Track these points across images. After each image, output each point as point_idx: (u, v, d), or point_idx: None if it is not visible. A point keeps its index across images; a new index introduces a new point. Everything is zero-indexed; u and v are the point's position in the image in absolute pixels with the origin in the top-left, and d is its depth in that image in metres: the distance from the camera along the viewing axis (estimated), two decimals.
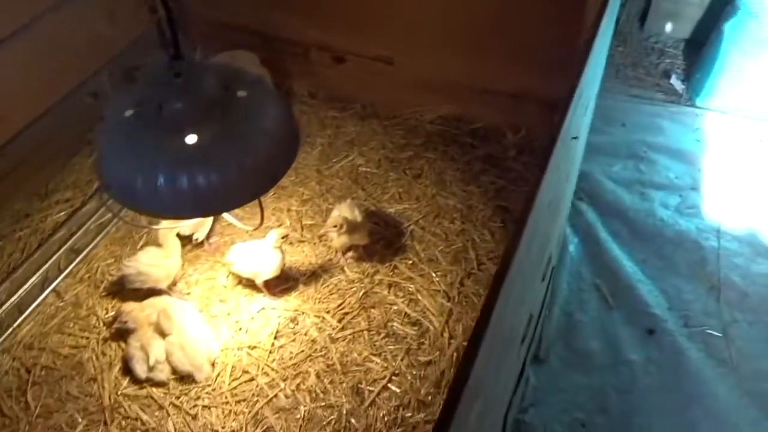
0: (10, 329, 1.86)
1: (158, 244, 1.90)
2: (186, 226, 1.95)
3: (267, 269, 1.87)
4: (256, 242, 1.92)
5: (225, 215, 1.66)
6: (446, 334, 1.84)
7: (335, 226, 1.85)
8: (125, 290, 1.95)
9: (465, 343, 1.76)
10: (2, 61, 1.99)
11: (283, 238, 1.85)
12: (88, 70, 2.38)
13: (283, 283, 1.98)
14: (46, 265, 2.02)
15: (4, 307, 1.91)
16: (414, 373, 1.76)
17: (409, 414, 1.67)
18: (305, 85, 2.58)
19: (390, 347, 1.82)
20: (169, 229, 1.84)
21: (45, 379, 1.76)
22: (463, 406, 0.86)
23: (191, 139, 1.21)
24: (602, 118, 3.23)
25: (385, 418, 1.66)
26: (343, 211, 1.93)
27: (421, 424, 1.64)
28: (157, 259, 1.84)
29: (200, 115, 1.22)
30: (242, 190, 1.25)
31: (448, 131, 2.44)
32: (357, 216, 1.92)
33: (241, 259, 1.89)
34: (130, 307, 1.81)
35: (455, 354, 1.79)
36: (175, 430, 1.66)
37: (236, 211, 1.95)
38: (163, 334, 1.76)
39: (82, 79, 2.35)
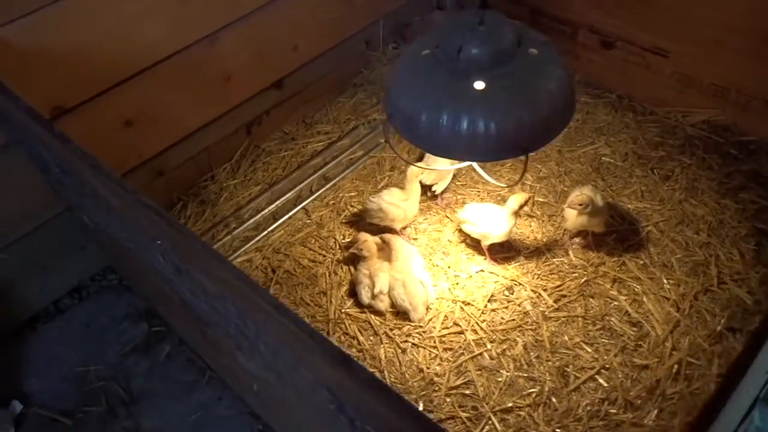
0: (265, 232, 2.15)
1: (401, 187, 2.03)
2: (429, 175, 2.06)
3: (497, 232, 1.91)
4: (491, 205, 1.97)
5: (479, 170, 1.72)
6: (668, 344, 1.73)
7: (581, 204, 1.82)
8: (362, 222, 2.13)
9: (689, 359, 1.66)
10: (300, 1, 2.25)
11: (523, 205, 1.87)
12: (366, 21, 2.60)
13: (505, 251, 2.01)
14: (301, 186, 2.28)
15: (262, 213, 2.20)
16: (626, 372, 1.69)
17: (614, 411, 1.61)
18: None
19: (603, 340, 1.77)
20: (422, 170, 1.95)
21: (285, 281, 2.00)
22: None
23: (480, 84, 1.27)
24: None
25: (588, 408, 1.62)
26: (586, 192, 1.88)
27: (626, 424, 1.57)
28: (398, 199, 1.98)
29: (494, 65, 1.27)
30: (515, 143, 1.29)
31: (711, 138, 2.25)
32: (599, 201, 1.87)
33: (474, 218, 1.94)
34: (366, 236, 1.98)
35: (676, 367, 1.67)
36: (385, 357, 1.79)
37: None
38: (388, 269, 1.89)
39: (361, 28, 2.58)
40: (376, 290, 1.85)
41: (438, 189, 2.12)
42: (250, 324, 1.03)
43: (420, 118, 1.30)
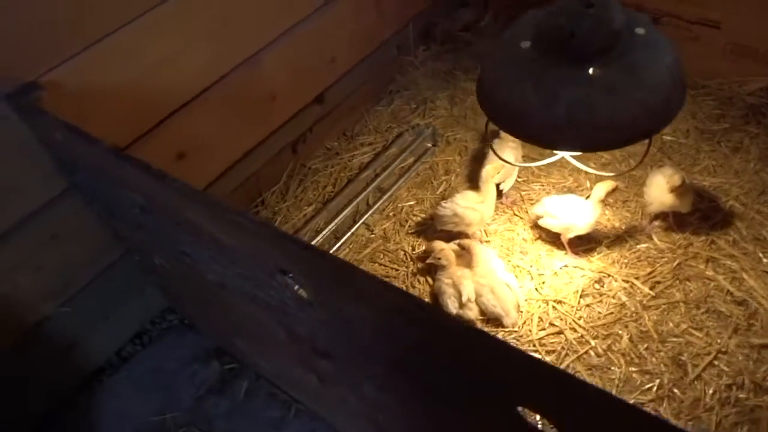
0: (332, 249, 2.05)
1: (474, 189, 1.95)
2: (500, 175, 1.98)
3: (581, 223, 1.83)
4: (571, 196, 1.89)
5: (575, 162, 1.64)
6: None
7: (679, 185, 1.74)
8: (429, 231, 2.05)
9: None
10: (335, 13, 2.17)
11: (610, 193, 1.79)
12: (396, 26, 2.53)
13: (585, 243, 1.93)
14: (357, 200, 2.19)
15: (323, 233, 2.11)
16: (746, 353, 1.61)
17: (744, 395, 1.53)
18: None
19: (711, 323, 1.69)
20: (498, 170, 1.87)
21: None
22: None
23: (598, 70, 1.20)
24: None
25: (716, 395, 1.54)
26: (670, 173, 1.81)
27: (762, 408, 1.49)
28: (474, 202, 1.89)
29: (608, 48, 1.20)
30: (639, 127, 1.21)
31: None
32: (686, 180, 1.80)
33: (554, 211, 1.87)
34: (442, 245, 1.89)
35: None
36: None
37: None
38: (471, 275, 1.81)
39: (391, 33, 2.51)
40: (464, 298, 1.76)
41: (506, 187, 2.05)
42: None
43: (532, 113, 1.23)
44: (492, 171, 1.86)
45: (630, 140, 1.23)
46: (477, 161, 2.24)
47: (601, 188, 1.79)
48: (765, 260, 1.79)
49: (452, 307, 1.79)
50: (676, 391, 1.57)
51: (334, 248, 2.07)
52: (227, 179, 2.08)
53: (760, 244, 1.84)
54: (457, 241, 1.91)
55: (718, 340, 1.64)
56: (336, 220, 2.14)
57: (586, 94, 1.18)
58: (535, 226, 1.99)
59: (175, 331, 2.09)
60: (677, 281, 1.80)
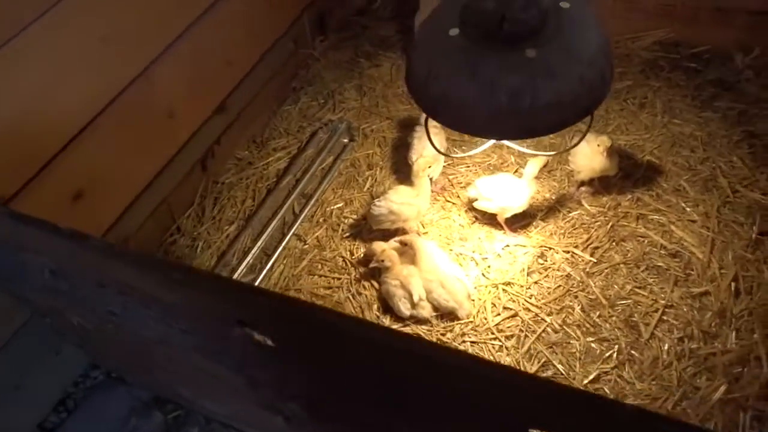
0: (264, 272, 1.91)
1: (407, 183, 1.88)
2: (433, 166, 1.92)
3: (517, 203, 1.82)
4: (504, 175, 1.87)
5: (513, 145, 1.61)
6: (714, 265, 1.73)
7: (607, 148, 1.76)
8: (364, 232, 1.97)
9: (742, 273, 1.66)
10: (227, 11, 2.00)
11: (541, 168, 1.78)
12: (290, 18, 2.38)
13: (521, 219, 1.93)
14: (282, 211, 2.06)
15: (252, 252, 1.96)
16: (689, 304, 1.67)
17: (696, 345, 1.59)
18: None
19: (653, 279, 1.74)
20: (430, 162, 1.80)
21: None
22: None
23: (534, 52, 1.15)
24: None
25: (671, 351, 1.59)
26: (594, 139, 1.82)
27: (716, 356, 1.55)
28: (408, 197, 1.82)
29: (541, 27, 1.15)
30: (580, 106, 1.18)
31: (668, 57, 2.28)
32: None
33: (488, 193, 1.84)
34: (381, 245, 1.82)
35: (733, 284, 1.68)
36: None
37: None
38: (417, 272, 1.75)
39: (287, 27, 2.36)
40: (416, 298, 1.70)
41: (434, 174, 1.99)
42: None
43: (472, 105, 1.16)
44: (424, 164, 1.80)
45: (573, 120, 1.20)
46: (399, 151, 2.18)
47: (534, 165, 1.78)
48: (688, 209, 1.87)
49: (404, 309, 1.73)
50: (634, 353, 1.60)
51: (268, 266, 1.93)
52: (134, 211, 1.88)
53: (681, 194, 1.91)
54: (397, 239, 1.84)
55: (662, 296, 1.70)
56: (263, 236, 2.00)
57: (527, 78, 1.13)
58: (470, 209, 1.96)
59: (103, 388, 1.89)
60: (614, 243, 1.83)
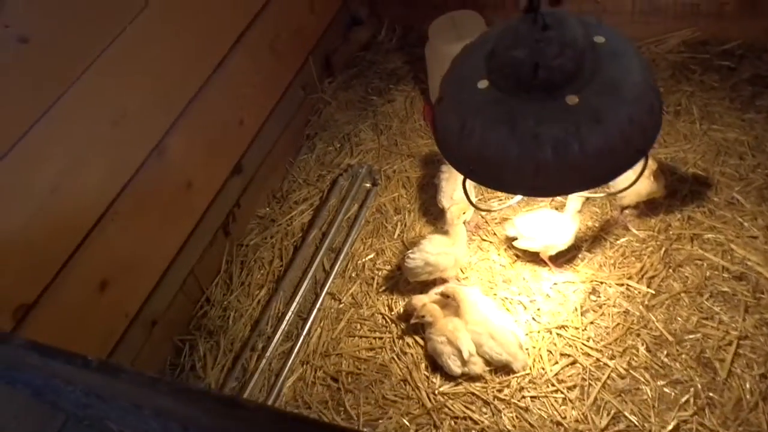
0: (301, 339, 1.82)
1: (442, 232, 1.77)
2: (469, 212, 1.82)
3: (562, 241, 1.70)
4: (545, 211, 1.76)
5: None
6: None
7: (654, 170, 1.64)
8: (400, 284, 1.87)
9: None
10: (233, 69, 1.93)
11: (585, 202, 1.67)
12: (296, 64, 2.31)
13: (564, 253, 1.80)
14: (312, 269, 1.96)
15: (287, 318, 1.87)
16: (765, 333, 1.53)
17: None
18: None
19: (720, 308, 1.61)
20: (464, 209, 1.69)
21: (355, 386, 1.69)
22: None
23: (575, 97, 1.04)
24: None
25: (754, 390, 1.45)
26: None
27: None
28: (444, 246, 1.72)
29: (579, 69, 1.04)
30: (631, 147, 1.07)
31: (697, 57, 2.15)
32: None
33: (529, 231, 1.73)
34: (420, 300, 1.71)
35: None
36: (512, 425, 1.54)
37: None
38: (464, 325, 1.64)
39: (294, 74, 2.28)
40: (465, 355, 1.59)
41: (467, 217, 1.88)
42: None
43: (516, 162, 1.06)
44: (458, 212, 1.69)
45: (627, 165, 1.08)
46: (425, 191, 2.08)
47: (577, 200, 1.67)
48: (746, 224, 1.74)
49: (455, 367, 1.62)
50: (713, 395, 1.47)
51: (305, 331, 1.83)
52: (162, 290, 1.80)
53: (735, 208, 1.78)
54: (438, 290, 1.74)
55: (734, 326, 1.56)
56: (296, 299, 1.90)
57: (571, 127, 1.02)
58: (510, 246, 1.85)
59: None
60: (670, 270, 1.71)
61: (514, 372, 1.62)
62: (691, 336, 1.58)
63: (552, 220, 1.71)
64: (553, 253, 1.74)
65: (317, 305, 1.88)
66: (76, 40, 1.42)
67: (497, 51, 1.08)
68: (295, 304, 1.90)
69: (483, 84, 1.10)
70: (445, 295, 1.70)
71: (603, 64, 1.08)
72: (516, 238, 1.78)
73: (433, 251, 1.71)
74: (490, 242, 1.91)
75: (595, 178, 1.09)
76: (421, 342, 1.74)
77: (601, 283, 1.73)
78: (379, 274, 1.92)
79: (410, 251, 1.75)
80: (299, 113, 2.35)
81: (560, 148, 1.03)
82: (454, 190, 1.87)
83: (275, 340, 1.83)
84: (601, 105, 1.04)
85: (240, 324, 1.91)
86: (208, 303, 1.98)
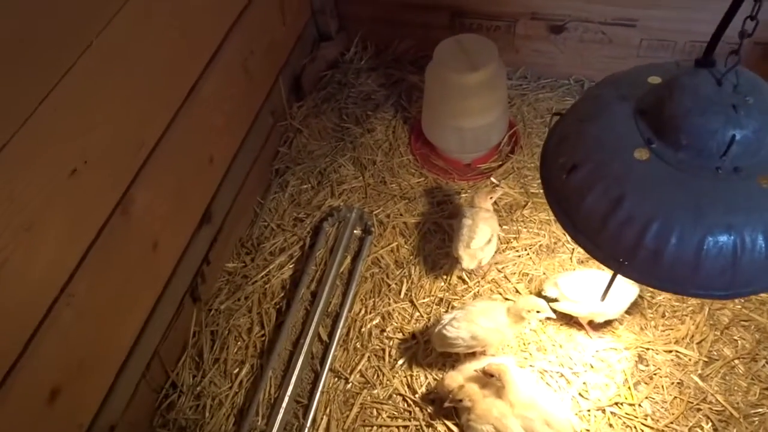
0: (306, 428, 1.47)
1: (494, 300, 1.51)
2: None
3: (615, 309, 1.51)
4: (590, 272, 1.55)
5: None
6: None
7: None
8: (419, 355, 1.58)
9: None
10: (208, 93, 1.54)
11: None
12: (267, 85, 1.94)
13: None
14: (306, 341, 1.61)
15: (283, 404, 1.51)
16: None
17: None
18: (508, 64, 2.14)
19: None
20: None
21: None
22: None
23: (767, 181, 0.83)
24: None
25: None
26: None
27: None
28: (500, 323, 1.46)
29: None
30: None
31: None
32: None
33: (574, 295, 1.51)
34: (455, 379, 1.44)
35: None
36: None
37: None
38: (510, 409, 1.39)
39: (264, 96, 1.92)
40: None
41: (485, 259, 1.65)
42: None
43: (691, 258, 0.82)
44: (532, 305, 1.45)
45: None
46: (428, 239, 1.80)
47: None
48: None
49: None
50: None
51: (308, 421, 1.49)
52: (122, 384, 1.38)
53: None
54: (479, 366, 1.46)
55: None
56: (292, 379, 1.55)
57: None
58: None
59: None
60: (718, 333, 1.57)
61: None
62: (757, 410, 1.44)
63: (602, 283, 1.50)
64: (600, 321, 1.54)
65: (319, 387, 1.54)
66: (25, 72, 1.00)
67: (670, 113, 0.84)
68: (291, 386, 1.54)
69: (642, 154, 0.86)
70: (488, 375, 1.44)
71: None
72: (556, 300, 1.56)
73: (486, 325, 1.45)
74: (513, 301, 1.67)
75: None
76: (455, 429, 1.46)
77: (647, 349, 1.56)
78: (390, 343, 1.62)
79: (451, 317, 1.48)
80: (268, 144, 1.97)
81: (751, 242, 0.81)
82: (473, 238, 1.62)
83: None
84: None
85: (220, 415, 1.53)
86: (174, 389, 1.56)
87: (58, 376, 1.16)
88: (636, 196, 0.85)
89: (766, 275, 0.85)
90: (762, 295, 1.62)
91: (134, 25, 1.24)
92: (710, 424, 1.43)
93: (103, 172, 1.21)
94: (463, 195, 1.90)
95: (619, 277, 1.37)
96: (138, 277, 1.39)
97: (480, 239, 1.62)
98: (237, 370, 1.60)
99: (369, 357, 1.60)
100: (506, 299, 1.68)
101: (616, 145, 0.88)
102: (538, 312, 1.45)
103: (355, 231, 1.86)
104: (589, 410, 1.47)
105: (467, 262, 1.61)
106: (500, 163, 1.98)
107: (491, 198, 1.70)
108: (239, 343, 1.65)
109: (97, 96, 1.17)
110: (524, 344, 1.60)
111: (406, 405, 1.52)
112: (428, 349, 1.59)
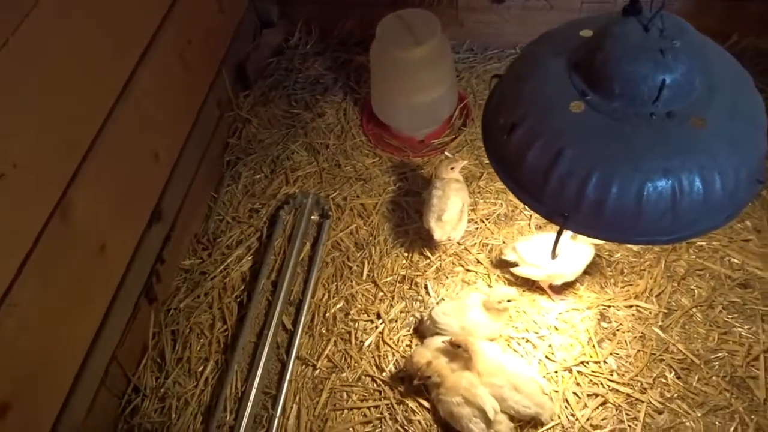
0: (276, 422, 1.45)
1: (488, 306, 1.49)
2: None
3: (572, 269, 1.52)
4: (548, 236, 1.56)
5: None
6: None
7: None
8: (384, 334, 1.57)
9: None
10: (141, 86, 1.49)
11: None
12: (209, 76, 1.89)
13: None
14: (270, 331, 1.59)
15: (251, 397, 1.49)
16: None
17: None
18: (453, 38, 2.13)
19: (734, 320, 1.52)
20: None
21: None
22: None
23: (700, 121, 0.83)
24: None
25: None
26: None
27: None
28: (489, 317, 1.47)
29: (708, 88, 0.83)
30: (753, 181, 0.89)
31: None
32: None
33: (533, 258, 1.52)
34: (423, 355, 1.43)
35: None
36: None
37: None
38: (479, 380, 1.40)
39: (207, 88, 1.87)
40: (491, 414, 1.34)
41: (457, 236, 1.64)
42: None
43: (632, 206, 0.82)
44: (502, 296, 1.46)
45: (743, 203, 0.90)
46: (388, 218, 1.79)
47: None
48: (736, 227, 1.68)
49: (479, 431, 1.36)
50: (757, 419, 1.37)
51: (278, 412, 1.47)
52: (80, 391, 1.34)
53: None
54: (446, 340, 1.45)
55: (755, 338, 1.48)
56: (258, 371, 1.52)
57: (708, 159, 0.81)
58: (500, 276, 1.63)
59: None
60: (675, 284, 1.60)
61: (543, 424, 1.40)
62: (716, 355, 1.47)
63: (567, 246, 1.51)
64: (558, 283, 1.55)
65: (287, 376, 1.52)
66: None
67: (601, 63, 0.84)
68: (257, 378, 1.52)
69: (577, 107, 0.85)
70: (455, 345, 1.43)
71: (724, 81, 0.88)
72: (516, 264, 1.57)
73: (476, 318, 1.45)
74: (474, 272, 1.68)
75: (717, 217, 0.89)
76: (427, 405, 1.46)
77: (609, 307, 1.58)
78: (355, 326, 1.61)
79: (443, 305, 1.49)
80: (216, 136, 1.93)
81: (704, 185, 0.81)
82: (444, 210, 1.61)
83: (242, 430, 1.44)
84: (733, 129, 0.84)
85: (187, 415, 1.49)
86: (136, 394, 1.52)
87: (7, 390, 1.12)
88: (574, 149, 0.84)
89: (705, 216, 0.85)
90: (714, 243, 1.65)
91: (50, 24, 1.18)
92: (673, 373, 1.46)
93: (36, 176, 1.16)
94: (420, 172, 1.89)
95: (570, 235, 1.39)
96: (87, 281, 1.34)
97: (451, 211, 1.61)
98: (201, 367, 1.57)
99: (335, 341, 1.58)
100: (468, 270, 1.68)
101: (553, 101, 0.88)
102: (509, 301, 1.45)
103: (312, 216, 1.83)
104: (556, 371, 1.49)
105: (439, 233, 1.60)
106: (453, 137, 1.97)
107: (453, 168, 1.68)
108: (202, 340, 1.62)
109: (18, 96, 1.11)
110: None
111: (375, 385, 1.51)
112: (394, 327, 1.58)
